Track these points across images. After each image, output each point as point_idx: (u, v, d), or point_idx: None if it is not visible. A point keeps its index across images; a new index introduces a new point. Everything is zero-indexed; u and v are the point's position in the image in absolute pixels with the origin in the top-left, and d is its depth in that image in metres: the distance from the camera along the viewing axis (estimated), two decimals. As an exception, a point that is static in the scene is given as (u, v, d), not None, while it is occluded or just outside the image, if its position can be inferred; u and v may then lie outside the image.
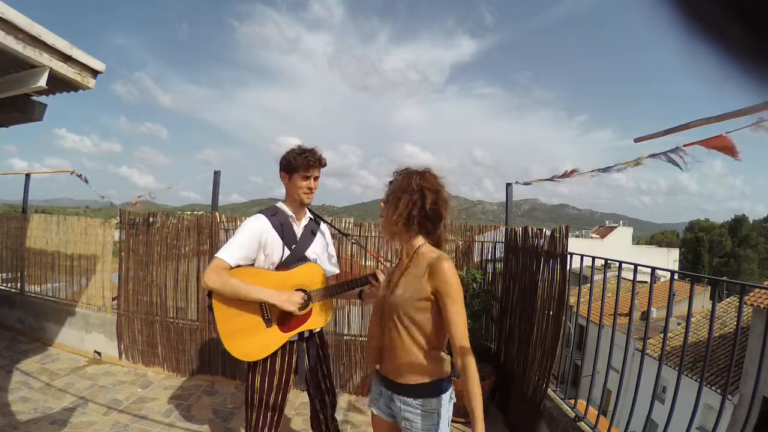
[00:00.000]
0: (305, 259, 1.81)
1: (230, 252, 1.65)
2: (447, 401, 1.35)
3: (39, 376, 3.49)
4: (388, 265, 1.84)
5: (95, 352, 4.01)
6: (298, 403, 3.16)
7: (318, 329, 1.91)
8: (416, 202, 1.31)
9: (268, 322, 1.70)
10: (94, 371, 3.69)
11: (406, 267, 1.39)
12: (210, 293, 1.65)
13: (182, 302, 3.70)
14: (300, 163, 1.75)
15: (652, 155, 2.20)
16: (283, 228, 1.77)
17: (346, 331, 3.55)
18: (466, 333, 1.29)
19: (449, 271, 1.27)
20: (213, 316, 1.66)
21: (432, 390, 1.33)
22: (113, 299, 4.07)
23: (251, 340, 1.68)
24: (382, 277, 1.74)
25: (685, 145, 1.98)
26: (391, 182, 1.42)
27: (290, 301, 1.67)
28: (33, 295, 4.59)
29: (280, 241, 1.75)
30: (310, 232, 1.89)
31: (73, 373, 3.61)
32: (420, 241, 1.38)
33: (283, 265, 1.76)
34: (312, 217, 1.95)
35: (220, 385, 3.50)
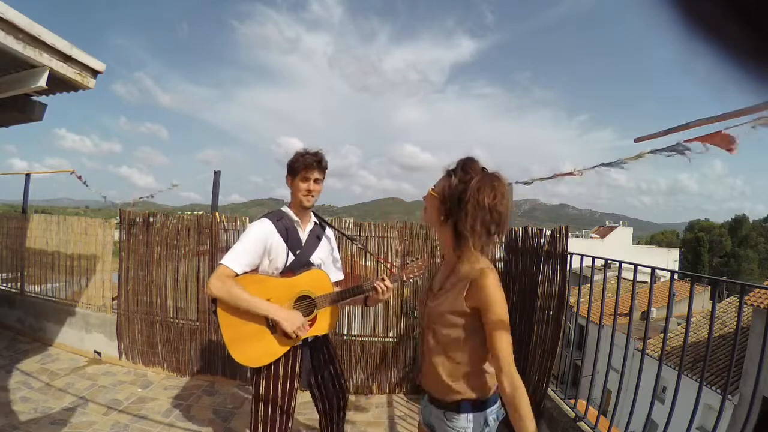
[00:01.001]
0: (310, 265, 1.80)
1: (236, 259, 1.65)
2: (480, 424, 1.23)
3: (39, 376, 3.49)
4: (395, 270, 1.83)
5: (95, 352, 4.01)
6: (298, 403, 3.16)
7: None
8: (488, 224, 1.15)
9: (273, 329, 1.68)
10: (94, 371, 3.69)
11: (447, 276, 1.29)
12: (215, 299, 1.64)
13: (182, 302, 3.70)
14: (300, 165, 1.75)
15: (654, 151, 2.20)
16: (288, 233, 1.76)
17: (346, 331, 3.55)
18: (510, 353, 1.15)
19: (494, 288, 1.14)
20: (217, 322, 1.65)
21: (462, 409, 1.22)
22: (113, 299, 4.07)
23: (256, 347, 1.67)
24: (389, 284, 1.72)
25: (685, 141, 1.98)
26: (451, 174, 1.22)
27: (291, 322, 1.65)
28: (33, 295, 4.59)
29: (284, 246, 1.74)
30: (315, 237, 1.88)
31: (73, 373, 3.61)
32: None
33: (288, 271, 1.75)
34: (317, 221, 1.94)
35: (220, 385, 3.50)
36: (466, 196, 1.14)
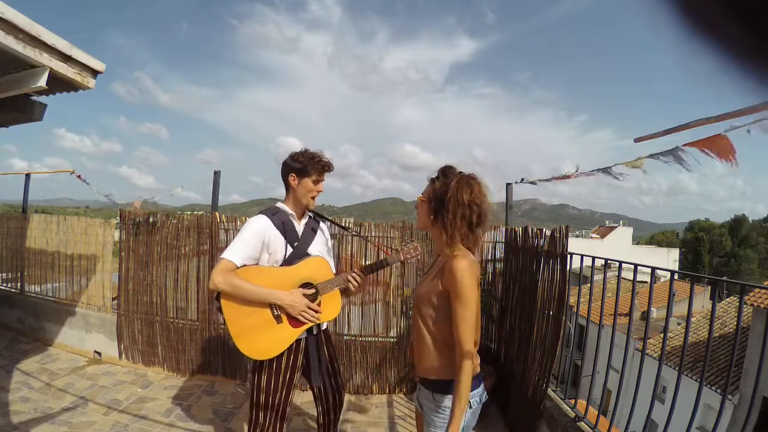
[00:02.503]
0: (308, 256, 1.84)
1: (236, 252, 1.68)
2: None
3: (39, 376, 3.49)
4: (393, 253, 1.88)
5: (95, 352, 4.01)
6: (298, 402, 3.16)
7: (325, 325, 1.95)
8: (469, 217, 1.31)
9: (278, 319, 1.71)
10: (94, 371, 3.69)
11: (432, 264, 1.46)
12: (218, 294, 1.67)
13: (182, 302, 3.70)
14: (314, 168, 1.79)
15: (652, 155, 2.20)
16: (285, 226, 1.80)
17: (346, 331, 3.55)
18: (470, 335, 1.27)
19: (459, 270, 1.26)
20: (223, 317, 1.67)
21: (445, 388, 1.32)
22: (113, 299, 4.07)
23: (263, 338, 1.70)
24: (361, 276, 1.81)
25: (684, 145, 1.97)
26: (434, 180, 1.40)
27: (295, 306, 1.69)
28: (33, 295, 4.59)
29: (282, 239, 1.77)
30: (311, 229, 1.92)
31: (73, 373, 3.61)
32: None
33: (287, 263, 1.78)
34: (311, 215, 1.97)
35: (220, 385, 3.50)
36: (448, 195, 1.31)
